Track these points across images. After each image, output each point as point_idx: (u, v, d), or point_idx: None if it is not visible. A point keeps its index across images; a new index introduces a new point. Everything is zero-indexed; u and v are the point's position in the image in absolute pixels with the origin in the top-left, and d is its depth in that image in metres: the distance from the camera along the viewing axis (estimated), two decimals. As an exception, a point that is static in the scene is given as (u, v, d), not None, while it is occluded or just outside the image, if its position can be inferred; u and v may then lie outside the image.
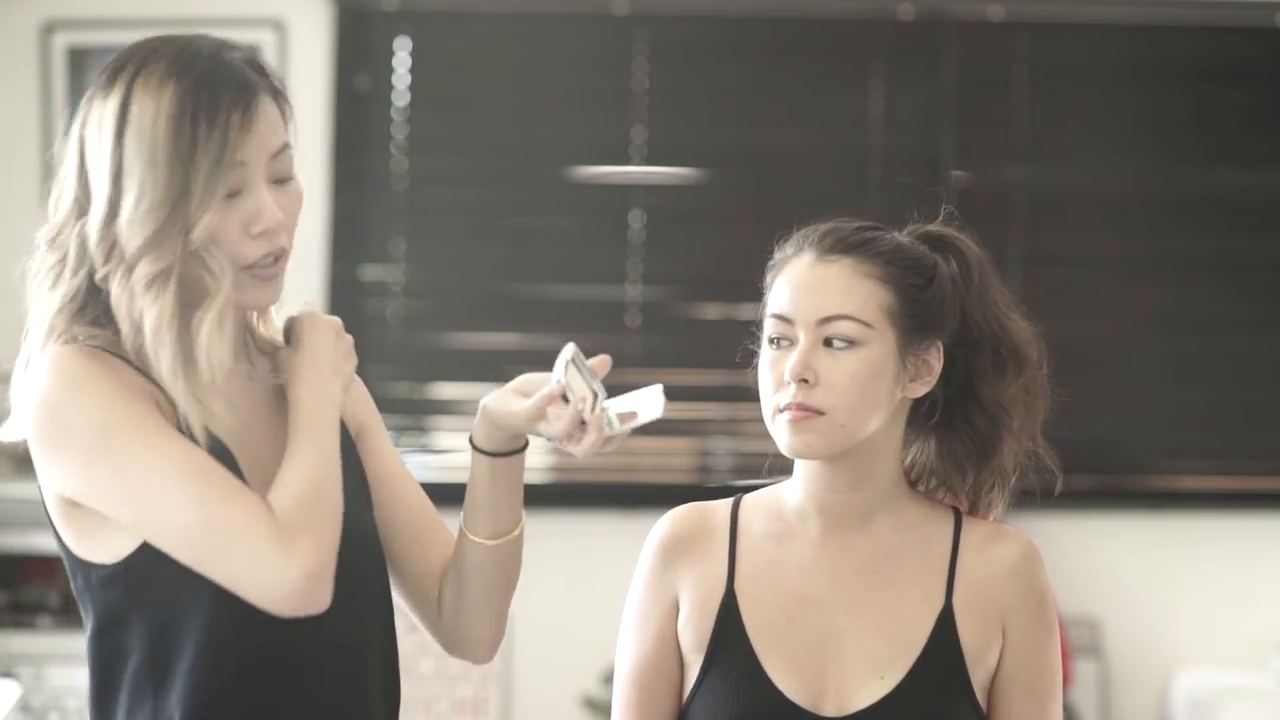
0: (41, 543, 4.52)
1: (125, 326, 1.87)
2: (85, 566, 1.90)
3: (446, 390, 5.28)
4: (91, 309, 1.90)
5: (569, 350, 1.89)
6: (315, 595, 1.82)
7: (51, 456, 1.86)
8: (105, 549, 1.88)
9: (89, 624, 1.91)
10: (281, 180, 1.91)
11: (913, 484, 2.16)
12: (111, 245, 1.86)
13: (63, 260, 1.90)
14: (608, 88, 5.29)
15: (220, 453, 1.87)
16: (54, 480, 1.88)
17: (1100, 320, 5.25)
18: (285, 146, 1.91)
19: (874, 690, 2.05)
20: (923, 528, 2.11)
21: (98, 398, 1.83)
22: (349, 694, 1.95)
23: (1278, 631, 5.23)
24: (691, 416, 5.23)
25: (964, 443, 2.13)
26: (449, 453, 5.20)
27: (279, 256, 1.91)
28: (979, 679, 2.08)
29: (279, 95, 1.92)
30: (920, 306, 2.07)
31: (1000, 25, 5.28)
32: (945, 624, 2.07)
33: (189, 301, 1.87)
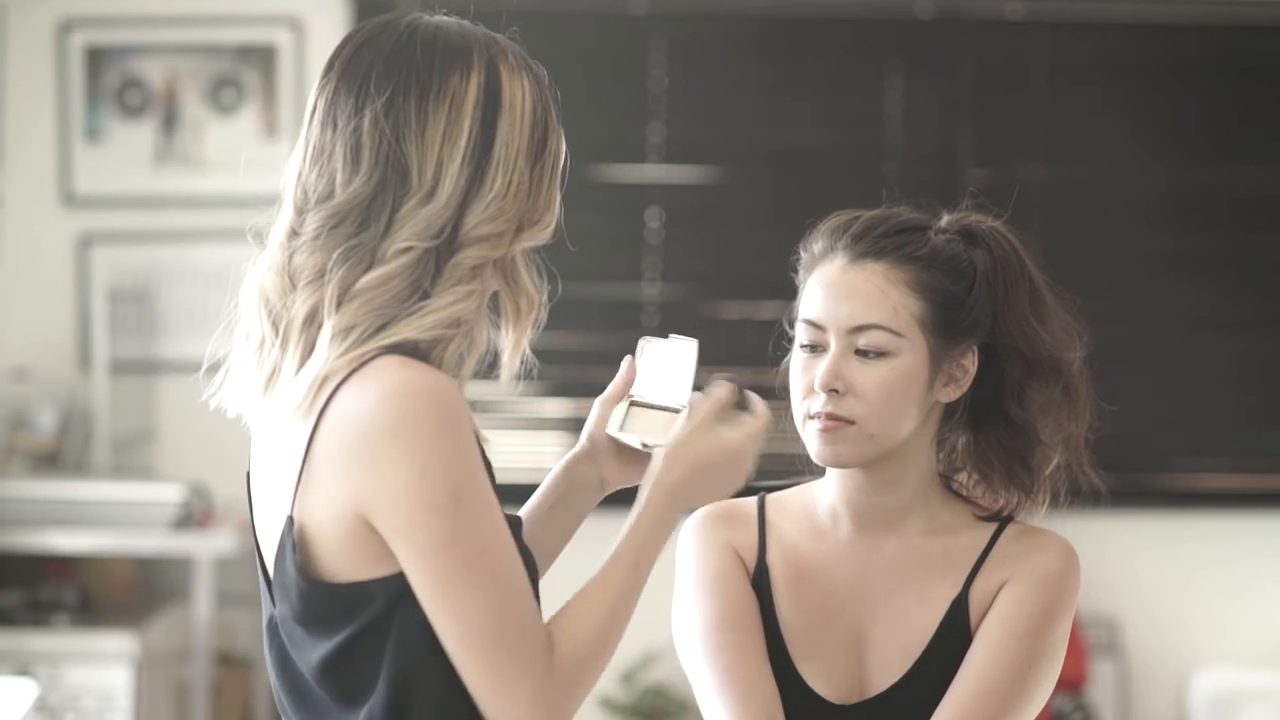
0: (59, 542, 4.51)
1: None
2: (351, 585, 1.73)
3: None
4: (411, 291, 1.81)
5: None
6: None
7: (383, 479, 1.70)
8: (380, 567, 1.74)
9: (330, 645, 1.74)
10: None
11: (946, 482, 2.10)
12: (445, 225, 1.81)
13: (365, 237, 1.78)
14: (625, 86, 5.28)
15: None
16: (365, 500, 1.71)
17: (1119, 319, 5.23)
18: None
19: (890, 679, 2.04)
20: (954, 532, 2.07)
21: (463, 452, 1.71)
22: None
23: (1297, 631, 5.22)
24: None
25: (993, 447, 2.07)
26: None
27: None
28: None
29: None
30: (954, 313, 2.02)
31: (1019, 24, 5.27)
32: (958, 610, 2.03)
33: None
